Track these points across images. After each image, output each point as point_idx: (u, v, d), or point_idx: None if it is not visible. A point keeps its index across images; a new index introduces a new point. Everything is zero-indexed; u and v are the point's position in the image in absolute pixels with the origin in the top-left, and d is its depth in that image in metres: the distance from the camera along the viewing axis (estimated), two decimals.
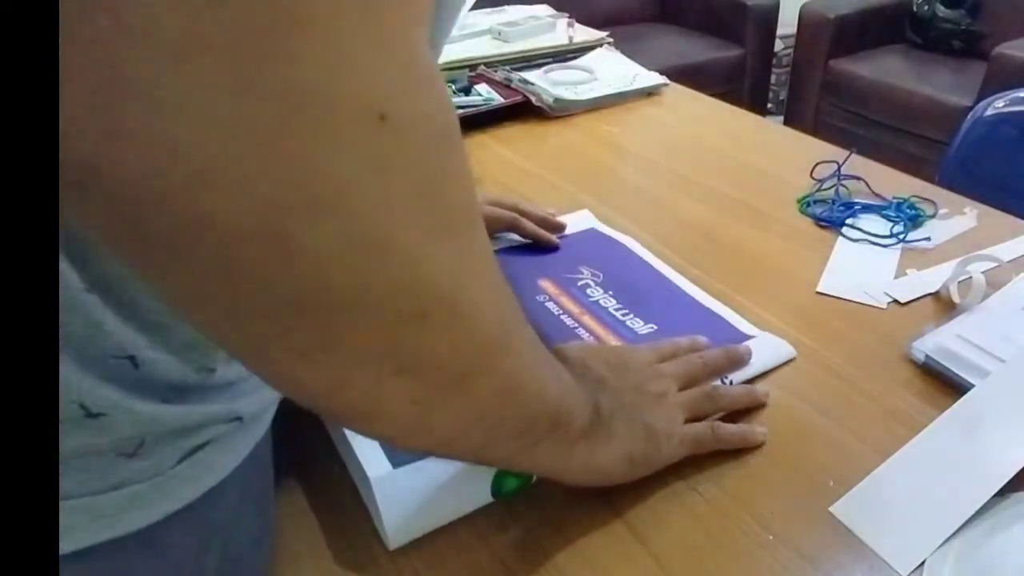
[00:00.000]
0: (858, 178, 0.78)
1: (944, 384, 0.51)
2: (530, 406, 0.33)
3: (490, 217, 0.61)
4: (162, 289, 0.23)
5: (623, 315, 0.59)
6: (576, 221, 0.72)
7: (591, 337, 0.56)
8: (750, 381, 0.52)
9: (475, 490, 0.43)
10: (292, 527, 0.43)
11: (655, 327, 0.57)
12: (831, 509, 0.43)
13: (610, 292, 0.61)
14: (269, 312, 0.22)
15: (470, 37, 1.14)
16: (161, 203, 0.19)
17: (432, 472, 0.43)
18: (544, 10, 1.23)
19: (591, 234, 0.71)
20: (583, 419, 0.37)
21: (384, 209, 0.22)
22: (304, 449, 0.48)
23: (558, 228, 0.70)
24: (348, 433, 0.45)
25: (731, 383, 0.51)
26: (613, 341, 0.56)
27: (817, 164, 0.80)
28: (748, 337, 0.56)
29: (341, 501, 0.44)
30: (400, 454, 0.43)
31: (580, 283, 0.63)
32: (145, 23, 0.17)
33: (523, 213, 0.68)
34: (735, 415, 0.49)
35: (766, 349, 0.55)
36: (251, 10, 0.18)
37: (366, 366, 0.25)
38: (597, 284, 0.63)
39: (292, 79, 0.19)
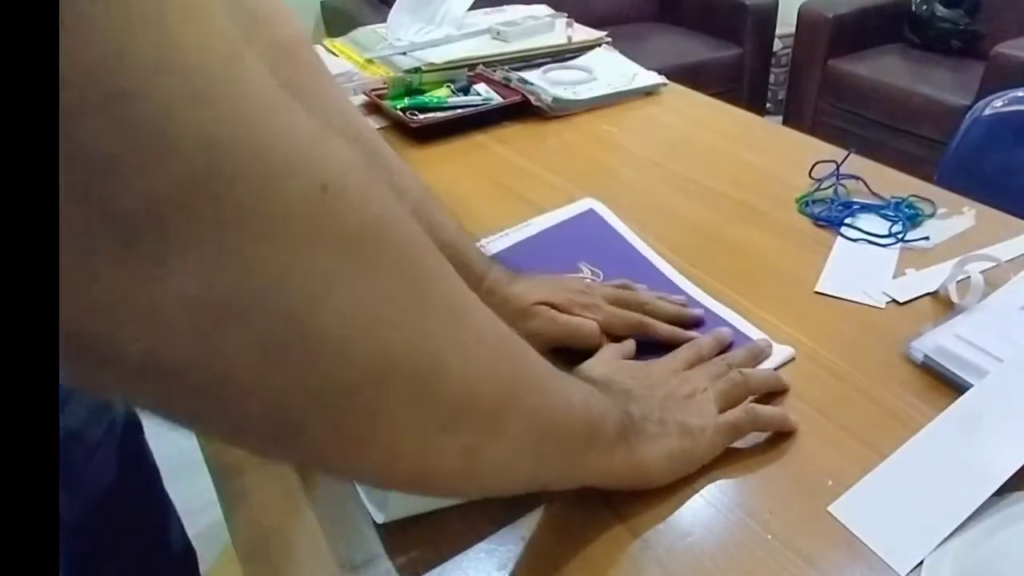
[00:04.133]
0: (857, 178, 0.78)
1: (943, 384, 0.52)
2: (564, 421, 0.34)
3: (616, 321, 0.55)
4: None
5: None
6: (577, 206, 0.72)
7: None
8: None
9: None
10: (290, 522, 0.43)
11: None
12: (830, 509, 0.43)
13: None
14: (320, 411, 0.23)
15: (469, 37, 1.14)
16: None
17: None
18: (543, 10, 1.23)
19: (590, 219, 0.71)
20: (616, 424, 0.39)
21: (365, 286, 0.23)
22: None
23: (695, 322, 0.59)
24: None
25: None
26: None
27: (816, 164, 0.80)
28: (748, 339, 0.56)
29: (339, 501, 0.44)
30: None
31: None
32: None
33: (649, 312, 0.58)
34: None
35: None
36: None
37: (411, 433, 0.26)
38: (598, 283, 0.63)
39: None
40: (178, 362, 0.19)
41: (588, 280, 0.63)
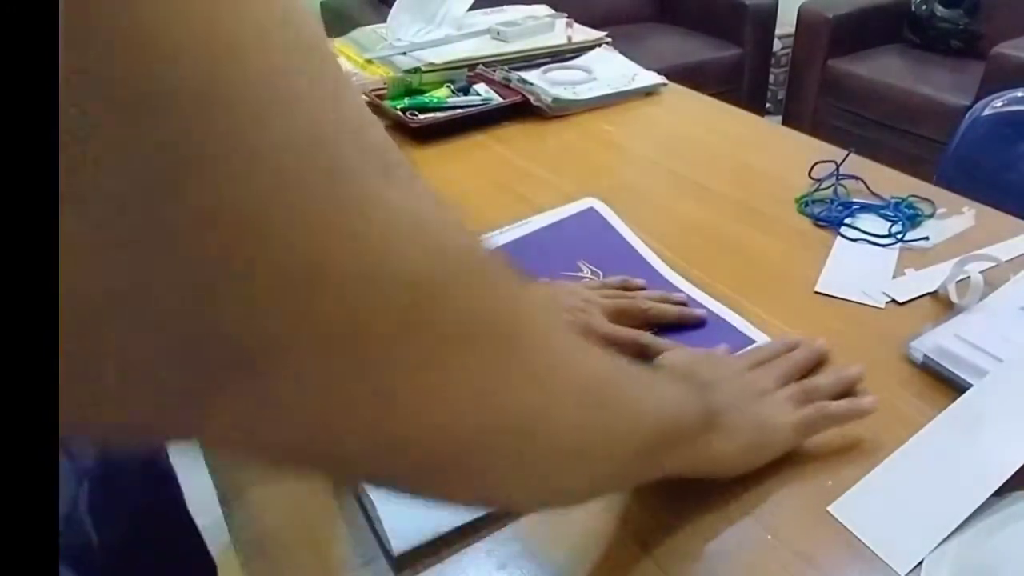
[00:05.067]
0: (856, 178, 0.78)
1: (942, 384, 0.52)
2: (656, 429, 0.35)
3: (616, 342, 0.55)
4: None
5: None
6: (577, 205, 0.72)
7: None
8: None
9: None
10: (290, 524, 0.43)
11: (655, 328, 0.57)
12: (829, 508, 0.43)
13: None
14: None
15: (469, 37, 1.14)
16: None
17: None
18: (543, 10, 1.23)
19: (590, 218, 0.71)
20: (698, 419, 0.39)
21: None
22: None
23: (697, 322, 0.59)
24: None
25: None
26: None
27: (815, 164, 0.80)
28: (751, 341, 0.56)
29: (340, 502, 0.44)
30: None
31: (580, 282, 0.63)
32: None
33: (652, 318, 0.58)
34: None
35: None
36: None
37: (511, 485, 0.29)
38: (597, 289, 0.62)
39: None
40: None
41: (588, 280, 0.63)
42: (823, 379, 0.50)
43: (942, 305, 0.60)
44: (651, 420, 0.35)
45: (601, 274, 0.64)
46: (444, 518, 0.42)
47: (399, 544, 0.41)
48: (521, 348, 0.26)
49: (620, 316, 0.57)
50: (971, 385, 0.50)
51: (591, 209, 0.73)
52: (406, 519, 0.41)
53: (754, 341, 0.56)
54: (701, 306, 0.60)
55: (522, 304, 0.27)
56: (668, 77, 1.10)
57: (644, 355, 0.54)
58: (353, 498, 0.44)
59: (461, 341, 0.23)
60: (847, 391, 0.49)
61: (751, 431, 0.44)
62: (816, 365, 0.53)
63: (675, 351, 0.52)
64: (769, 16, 2.76)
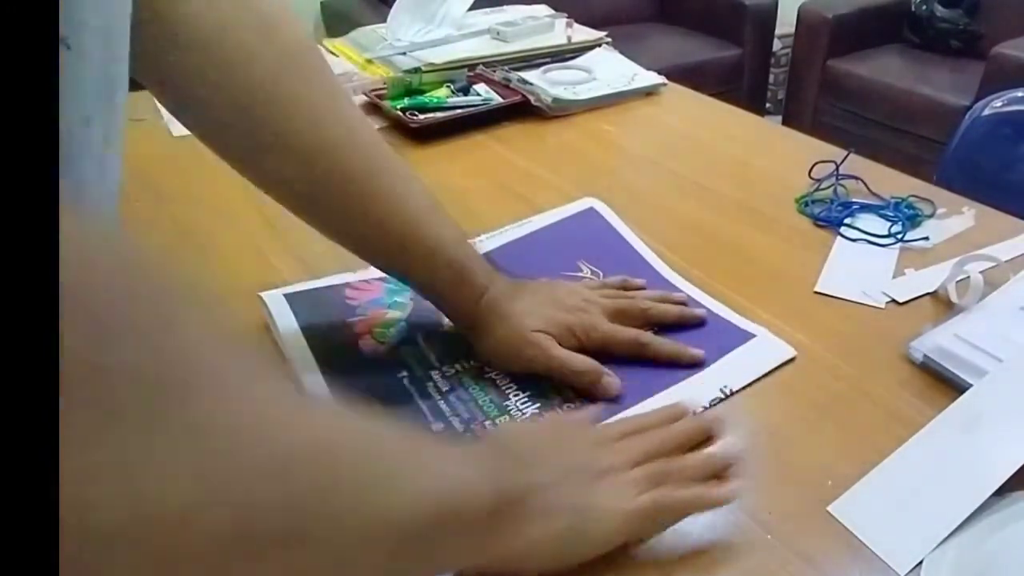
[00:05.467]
0: (856, 178, 0.78)
1: (942, 384, 0.52)
2: (399, 520, 0.29)
3: (614, 345, 0.54)
4: None
5: None
6: (577, 205, 0.72)
7: None
8: (750, 384, 0.52)
9: None
10: None
11: (655, 328, 0.57)
12: (829, 508, 0.43)
13: None
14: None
15: (469, 37, 1.14)
16: None
17: None
18: (543, 10, 1.23)
19: (590, 217, 0.71)
20: (483, 506, 0.34)
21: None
22: None
23: (697, 322, 0.58)
24: None
25: (730, 392, 0.51)
26: None
27: (815, 164, 0.80)
28: (748, 335, 0.56)
29: None
30: None
31: (580, 282, 0.63)
32: None
33: (652, 318, 0.57)
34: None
35: (765, 351, 0.55)
36: None
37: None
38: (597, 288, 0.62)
39: None
40: None
41: (588, 279, 0.63)
42: (692, 458, 0.43)
43: (942, 305, 0.60)
44: (411, 506, 0.29)
45: (601, 274, 0.64)
46: None
47: None
48: (189, 414, 0.22)
49: (620, 316, 0.56)
50: (971, 385, 0.50)
51: (591, 209, 0.73)
52: None
53: (754, 336, 0.56)
54: (701, 305, 0.60)
55: (204, 366, 0.23)
56: (668, 77, 1.10)
57: (643, 355, 0.54)
58: None
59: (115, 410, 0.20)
60: (718, 472, 0.42)
61: (569, 518, 0.37)
62: (705, 441, 0.44)
63: (513, 424, 0.47)
64: (769, 16, 2.76)
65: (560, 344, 0.52)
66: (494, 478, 0.35)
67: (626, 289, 0.60)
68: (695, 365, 0.54)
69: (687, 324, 0.58)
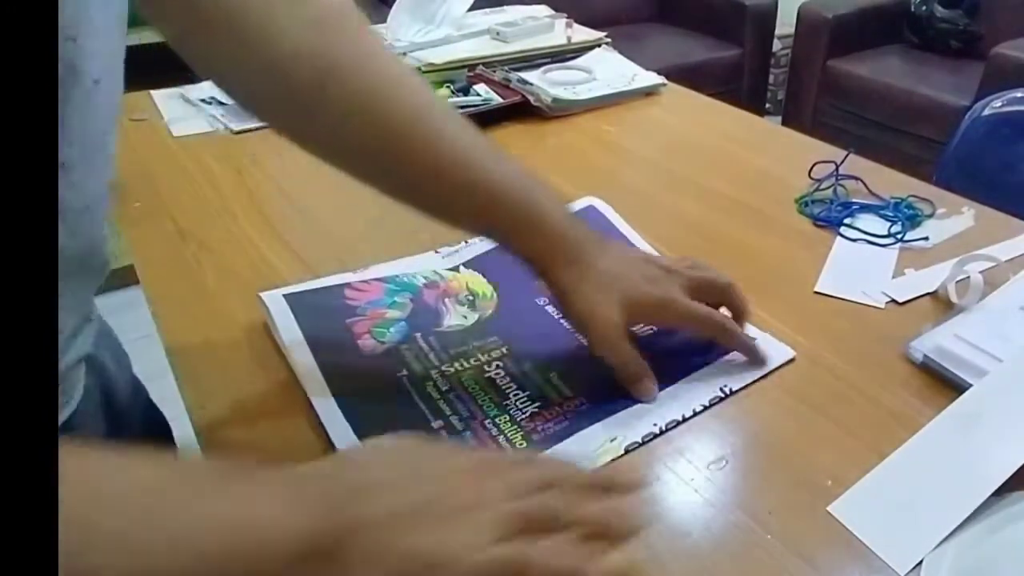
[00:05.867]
0: (856, 178, 0.78)
1: (942, 384, 0.52)
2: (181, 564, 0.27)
3: (695, 321, 0.51)
4: None
5: None
6: (578, 203, 0.72)
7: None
8: (750, 384, 0.52)
9: None
10: None
11: (653, 328, 0.57)
12: (829, 508, 0.43)
13: None
14: None
15: (469, 37, 1.14)
16: None
17: None
18: (542, 10, 1.24)
19: (591, 215, 0.71)
20: (286, 546, 0.29)
21: None
22: (305, 446, 0.48)
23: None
24: (320, 411, 0.48)
25: (730, 392, 0.51)
26: None
27: (815, 164, 0.80)
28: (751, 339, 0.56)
29: None
30: (367, 427, 0.46)
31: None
32: None
33: (730, 302, 0.55)
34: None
35: (765, 352, 0.55)
36: None
37: None
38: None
39: None
40: None
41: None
42: (592, 506, 0.35)
43: (942, 305, 0.60)
44: (187, 540, 0.27)
45: None
46: None
47: None
48: None
49: (700, 291, 0.52)
50: (971, 385, 0.50)
51: (591, 207, 0.73)
52: None
53: (754, 339, 0.56)
54: None
55: None
56: (668, 77, 1.10)
57: (718, 337, 0.52)
58: None
59: None
60: (613, 531, 0.34)
61: (400, 566, 0.30)
62: (598, 493, 0.36)
63: (370, 445, 0.39)
64: (769, 16, 2.76)
65: (631, 318, 0.50)
66: (311, 513, 0.30)
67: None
68: (694, 367, 0.54)
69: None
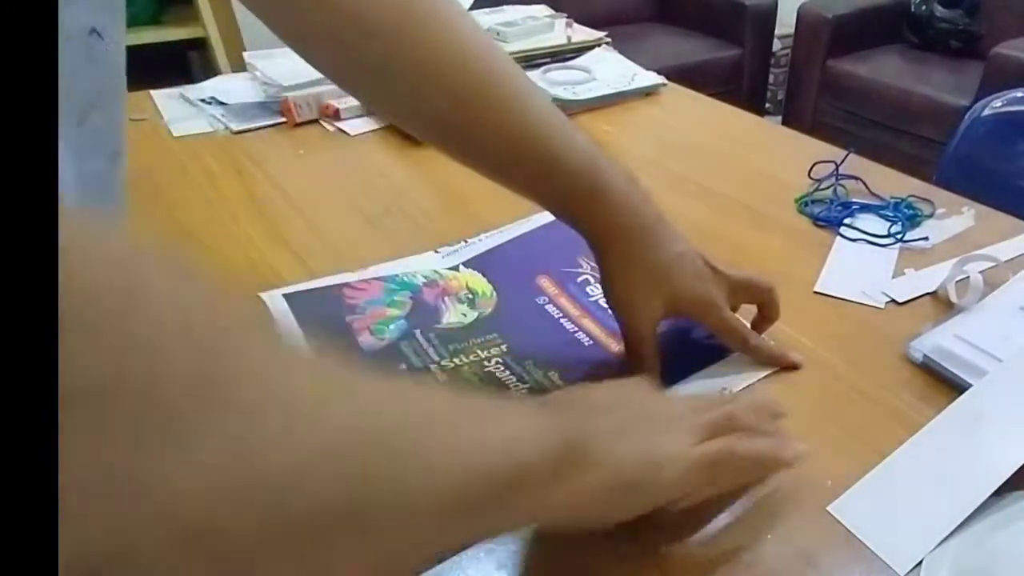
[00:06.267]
0: (856, 178, 0.78)
1: (942, 384, 0.52)
2: (473, 476, 0.29)
3: (722, 327, 0.52)
4: None
5: None
6: None
7: (591, 341, 0.56)
8: (750, 387, 0.52)
9: None
10: None
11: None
12: (829, 508, 0.43)
13: None
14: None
15: None
16: None
17: None
18: (542, 10, 1.24)
19: None
20: (548, 458, 0.32)
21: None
22: None
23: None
24: None
25: (730, 394, 0.51)
26: (613, 345, 0.56)
27: (815, 164, 0.80)
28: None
29: None
30: None
31: (579, 279, 0.63)
32: None
33: (770, 299, 0.55)
34: None
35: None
36: None
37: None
38: (597, 281, 0.62)
39: None
40: None
41: (587, 277, 0.63)
42: (766, 425, 0.42)
43: (942, 305, 0.60)
44: (474, 466, 0.29)
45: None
46: None
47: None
48: (264, 399, 0.22)
49: (740, 292, 0.53)
50: (971, 385, 0.50)
51: None
52: None
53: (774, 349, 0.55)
54: None
55: (257, 352, 0.23)
56: (668, 77, 1.10)
57: (744, 351, 0.53)
58: None
59: (194, 398, 0.20)
60: (765, 414, 0.42)
61: (635, 464, 0.35)
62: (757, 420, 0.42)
63: (575, 386, 0.42)
64: (769, 16, 2.76)
65: (669, 313, 0.51)
66: (558, 427, 0.33)
67: None
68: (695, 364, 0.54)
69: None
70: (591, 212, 0.49)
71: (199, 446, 0.20)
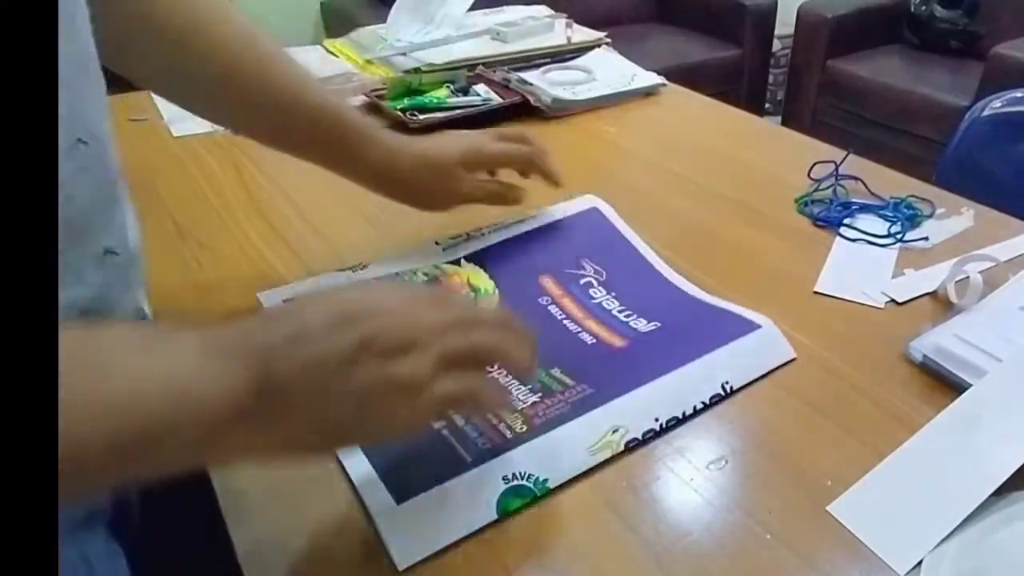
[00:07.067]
0: (856, 178, 0.78)
1: (942, 384, 0.52)
2: (124, 414, 0.29)
3: (500, 155, 0.66)
4: None
5: (626, 316, 0.58)
6: (580, 203, 0.72)
7: (594, 339, 0.56)
8: (751, 383, 0.52)
9: (480, 510, 0.43)
10: (293, 532, 0.43)
11: (658, 324, 0.57)
12: (829, 508, 0.43)
13: (612, 294, 0.61)
14: None
15: (468, 37, 1.14)
16: None
17: (436, 499, 0.43)
18: (542, 10, 1.24)
19: (593, 216, 0.71)
20: (231, 396, 0.31)
21: None
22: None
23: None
24: (348, 467, 0.45)
25: (731, 390, 0.51)
26: (617, 342, 0.56)
27: (815, 164, 0.80)
28: (755, 326, 0.55)
29: (340, 497, 0.44)
30: (402, 487, 0.43)
31: (583, 280, 0.63)
32: None
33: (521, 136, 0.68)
34: None
35: (768, 347, 0.55)
36: None
37: None
38: (600, 283, 0.62)
39: None
40: None
41: (590, 279, 0.63)
42: (499, 335, 0.39)
43: (941, 305, 0.60)
44: (131, 391, 0.29)
45: (604, 273, 0.64)
46: (448, 530, 0.42)
47: (403, 559, 0.40)
48: None
49: (503, 138, 0.65)
50: (971, 385, 0.50)
51: (594, 209, 0.72)
52: (408, 534, 0.41)
53: (760, 327, 0.55)
54: (705, 302, 0.60)
55: None
56: (667, 77, 1.10)
57: (531, 163, 0.66)
58: (355, 500, 0.44)
59: None
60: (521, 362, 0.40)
61: (337, 409, 0.34)
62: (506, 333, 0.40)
63: (311, 295, 0.44)
64: (768, 16, 2.76)
65: (460, 161, 0.62)
66: (245, 367, 0.32)
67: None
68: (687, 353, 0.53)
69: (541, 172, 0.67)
70: (363, 153, 0.60)
71: None
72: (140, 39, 0.54)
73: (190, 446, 0.31)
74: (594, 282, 0.63)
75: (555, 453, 0.46)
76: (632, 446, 0.47)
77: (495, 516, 0.43)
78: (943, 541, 0.40)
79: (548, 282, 0.62)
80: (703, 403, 0.50)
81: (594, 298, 0.61)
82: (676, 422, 0.49)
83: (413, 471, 0.44)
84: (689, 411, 0.50)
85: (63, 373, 0.26)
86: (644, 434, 0.48)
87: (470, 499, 0.43)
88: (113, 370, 0.30)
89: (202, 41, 0.56)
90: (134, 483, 0.37)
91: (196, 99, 0.60)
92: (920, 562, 0.40)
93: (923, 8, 2.60)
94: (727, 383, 0.51)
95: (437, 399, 0.36)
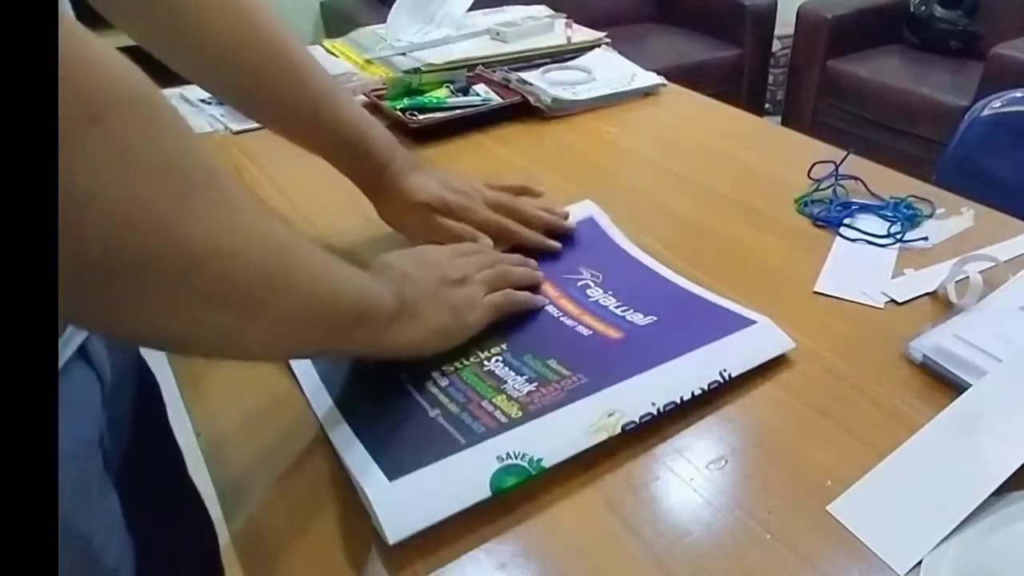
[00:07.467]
0: (855, 178, 0.78)
1: (942, 384, 0.52)
2: (329, 309, 0.41)
3: (488, 226, 0.65)
4: None
5: (623, 311, 0.59)
6: (577, 212, 0.72)
7: (590, 332, 0.56)
8: (749, 372, 0.52)
9: (473, 487, 0.43)
10: (289, 522, 0.43)
11: (655, 318, 0.57)
12: (829, 508, 0.43)
13: (610, 292, 0.61)
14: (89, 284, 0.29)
15: (468, 37, 1.14)
16: None
17: (429, 477, 0.43)
18: (542, 10, 1.24)
19: (589, 227, 0.71)
20: (388, 307, 0.45)
21: (127, 192, 0.28)
22: (302, 445, 0.48)
23: (567, 234, 0.69)
24: (338, 446, 0.46)
25: (729, 377, 0.51)
26: (613, 333, 0.56)
27: (815, 164, 0.80)
28: (751, 322, 0.56)
29: (342, 497, 0.44)
30: (395, 466, 0.44)
31: (580, 283, 0.63)
32: None
33: (523, 218, 0.67)
34: None
35: (766, 338, 0.55)
36: None
37: (171, 311, 0.32)
38: (597, 285, 0.62)
39: None
40: None
41: (587, 283, 0.63)
42: (516, 267, 0.60)
43: (941, 305, 0.60)
44: (329, 297, 0.40)
45: (602, 277, 0.64)
46: (440, 506, 0.42)
47: (394, 534, 0.41)
48: (212, 187, 0.32)
49: (498, 209, 0.66)
50: (970, 385, 0.50)
51: (590, 219, 0.72)
52: (400, 509, 0.41)
53: (755, 323, 0.55)
54: (702, 298, 0.60)
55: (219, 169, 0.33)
56: (667, 77, 1.10)
57: (511, 238, 0.65)
58: (355, 493, 0.44)
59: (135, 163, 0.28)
60: (533, 280, 0.60)
61: (444, 316, 0.51)
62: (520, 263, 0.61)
63: (389, 255, 0.56)
64: (768, 16, 2.76)
65: (439, 207, 0.64)
66: (392, 289, 0.46)
67: (520, 194, 0.70)
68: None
69: (556, 233, 0.68)
70: (367, 166, 0.65)
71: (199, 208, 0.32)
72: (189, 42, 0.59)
73: (372, 332, 0.45)
74: (591, 283, 0.63)
75: (551, 433, 0.46)
76: (629, 430, 0.47)
77: (489, 494, 0.43)
78: (943, 541, 0.40)
79: (546, 286, 0.62)
80: (701, 389, 0.50)
81: (591, 297, 0.61)
82: (674, 407, 0.49)
83: (407, 452, 0.45)
84: (687, 396, 0.49)
85: (302, 260, 0.39)
86: (641, 418, 0.48)
87: (463, 476, 0.43)
88: (332, 265, 0.41)
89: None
90: (317, 354, 0.52)
91: (196, 74, 0.64)
92: (920, 562, 0.40)
93: (923, 8, 2.60)
94: (725, 371, 0.51)
95: (489, 305, 0.55)
